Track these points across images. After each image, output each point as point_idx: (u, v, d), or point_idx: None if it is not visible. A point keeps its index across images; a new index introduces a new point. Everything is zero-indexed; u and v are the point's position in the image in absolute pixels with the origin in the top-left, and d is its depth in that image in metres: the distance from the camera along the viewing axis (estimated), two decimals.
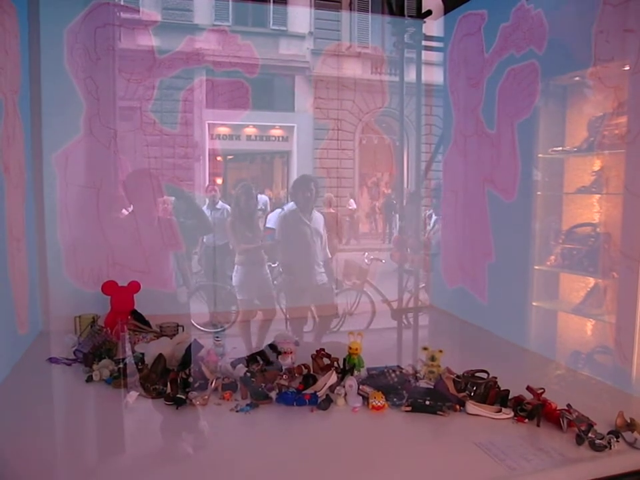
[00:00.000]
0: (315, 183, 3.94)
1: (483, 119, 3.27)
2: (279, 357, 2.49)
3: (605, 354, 2.55)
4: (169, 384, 2.16)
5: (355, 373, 2.35)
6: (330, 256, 3.97)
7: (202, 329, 3.65)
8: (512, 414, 1.99)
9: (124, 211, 3.33)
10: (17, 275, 2.64)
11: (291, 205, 3.93)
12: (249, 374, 2.27)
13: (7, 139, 2.51)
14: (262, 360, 2.44)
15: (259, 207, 4.61)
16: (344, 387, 2.15)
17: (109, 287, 2.96)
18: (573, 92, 2.86)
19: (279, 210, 4.02)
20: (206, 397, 2.10)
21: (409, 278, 4.25)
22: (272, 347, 2.55)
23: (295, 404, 2.08)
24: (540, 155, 2.88)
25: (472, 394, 2.11)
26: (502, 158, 3.12)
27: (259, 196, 4.66)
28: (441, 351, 2.32)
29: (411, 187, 4.32)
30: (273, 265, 4.13)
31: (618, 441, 1.76)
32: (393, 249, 4.95)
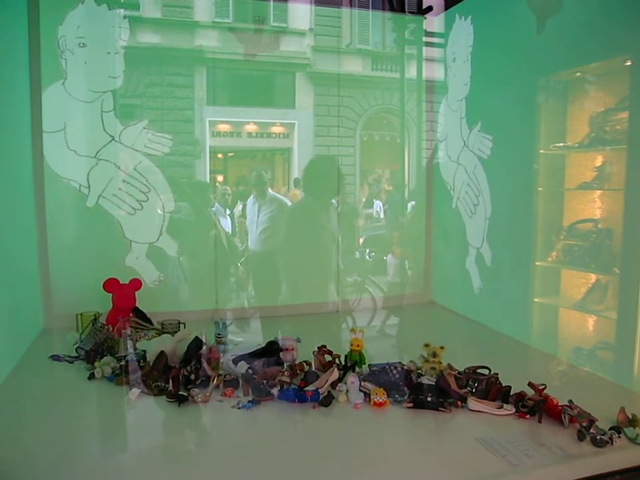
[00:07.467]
0: (332, 163, 3.24)
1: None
2: (281, 353, 2.50)
3: (607, 350, 2.55)
4: (170, 381, 2.17)
5: (357, 369, 2.36)
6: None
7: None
8: (513, 410, 2.00)
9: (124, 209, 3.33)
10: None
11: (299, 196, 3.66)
12: (250, 371, 2.27)
13: None
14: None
15: None
16: (346, 383, 2.16)
17: (111, 285, 2.96)
18: (574, 87, 2.85)
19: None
20: (208, 394, 2.11)
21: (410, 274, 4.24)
22: (273, 343, 2.56)
23: (296, 401, 2.08)
24: (541, 151, 2.87)
25: (473, 390, 2.12)
26: None
27: None
28: (442, 347, 2.33)
29: (411, 183, 4.30)
30: None
31: (619, 437, 1.77)
32: (394, 245, 4.93)
